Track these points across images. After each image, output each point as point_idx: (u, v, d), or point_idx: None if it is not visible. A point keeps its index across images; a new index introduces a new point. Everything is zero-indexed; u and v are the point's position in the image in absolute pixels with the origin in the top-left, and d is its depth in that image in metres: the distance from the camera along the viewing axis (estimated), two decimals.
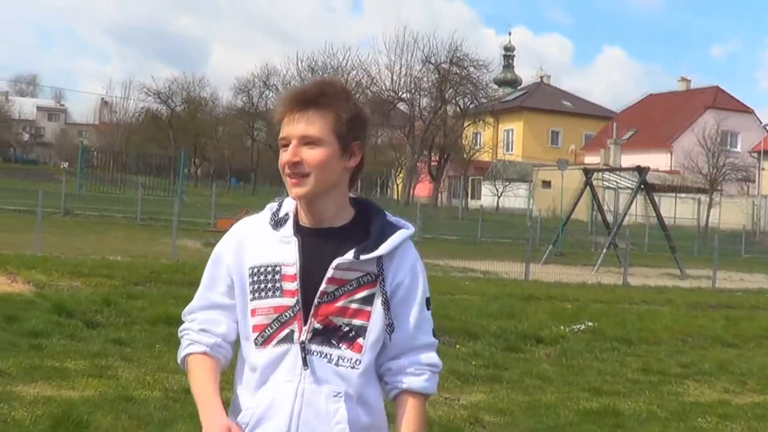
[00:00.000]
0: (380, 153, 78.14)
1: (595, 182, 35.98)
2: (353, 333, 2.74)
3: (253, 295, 2.77)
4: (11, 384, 8.08)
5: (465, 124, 76.49)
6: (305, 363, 2.69)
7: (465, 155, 78.72)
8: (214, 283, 2.87)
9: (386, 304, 2.75)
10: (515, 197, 70.03)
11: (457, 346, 11.83)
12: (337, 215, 2.82)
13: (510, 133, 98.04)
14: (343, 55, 73.85)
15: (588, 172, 34.87)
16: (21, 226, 25.28)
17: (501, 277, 23.34)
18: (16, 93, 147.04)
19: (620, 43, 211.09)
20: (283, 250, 2.76)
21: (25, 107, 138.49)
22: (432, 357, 2.87)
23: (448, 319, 13.41)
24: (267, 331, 2.74)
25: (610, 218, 37.62)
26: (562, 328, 13.69)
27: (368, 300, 2.75)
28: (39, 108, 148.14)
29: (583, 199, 35.37)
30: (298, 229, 2.80)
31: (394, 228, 2.83)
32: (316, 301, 2.71)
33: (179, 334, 2.91)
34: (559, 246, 32.99)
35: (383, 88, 73.15)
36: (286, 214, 2.85)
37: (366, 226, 2.81)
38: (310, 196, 2.74)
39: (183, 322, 2.92)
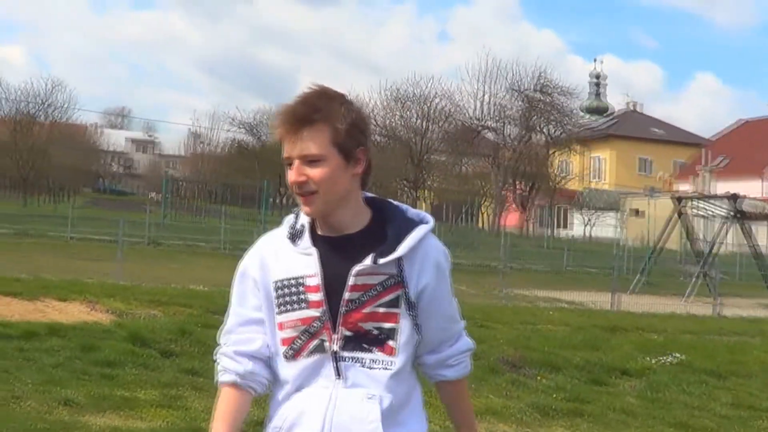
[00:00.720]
0: (467, 182, 77.80)
1: (686, 210, 35.26)
2: (384, 336, 2.76)
3: (279, 309, 2.80)
4: (80, 414, 7.97)
5: (552, 153, 75.80)
6: (338, 372, 2.75)
7: (552, 184, 77.97)
8: (244, 299, 2.89)
9: (412, 305, 2.77)
10: (605, 226, 69.11)
11: (539, 378, 11.45)
12: (353, 221, 2.81)
13: (599, 161, 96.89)
14: (427, 83, 73.77)
15: (679, 200, 34.16)
16: (105, 255, 25.51)
17: (588, 307, 22.89)
18: (107, 125, 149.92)
19: (712, 69, 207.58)
20: (304, 263, 2.77)
21: (116, 139, 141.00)
22: (465, 344, 3.00)
23: (530, 350, 13.08)
24: (296, 343, 2.78)
25: (702, 247, 36.74)
26: (648, 360, 13.22)
27: (395, 302, 2.76)
28: (130, 140, 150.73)
29: (675, 227, 34.65)
30: (316, 240, 2.81)
31: (411, 225, 2.81)
32: (342, 309, 2.73)
33: (214, 358, 2.94)
34: (647, 275, 32.30)
35: (468, 116, 72.83)
36: (302, 226, 2.84)
37: (384, 227, 2.81)
38: (322, 211, 2.77)
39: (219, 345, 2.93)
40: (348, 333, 2.74)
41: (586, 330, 16.24)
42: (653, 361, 13.12)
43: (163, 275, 22.19)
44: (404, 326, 2.77)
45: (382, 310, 2.75)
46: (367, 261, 2.72)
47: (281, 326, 2.80)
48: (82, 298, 15.51)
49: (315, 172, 2.71)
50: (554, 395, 10.35)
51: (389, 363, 2.76)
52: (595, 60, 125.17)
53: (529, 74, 71.38)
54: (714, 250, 32.59)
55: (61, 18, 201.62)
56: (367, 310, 2.74)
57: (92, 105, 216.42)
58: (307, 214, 2.79)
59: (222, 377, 2.88)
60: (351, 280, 2.72)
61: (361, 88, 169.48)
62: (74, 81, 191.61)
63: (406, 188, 75.16)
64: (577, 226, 73.40)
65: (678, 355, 13.64)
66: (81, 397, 8.44)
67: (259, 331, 2.86)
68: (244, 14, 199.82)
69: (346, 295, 2.73)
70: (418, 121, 73.58)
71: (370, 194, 2.90)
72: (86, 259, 27.04)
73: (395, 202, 2.92)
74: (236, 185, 67.31)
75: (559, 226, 78.33)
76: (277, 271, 2.81)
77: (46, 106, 73.36)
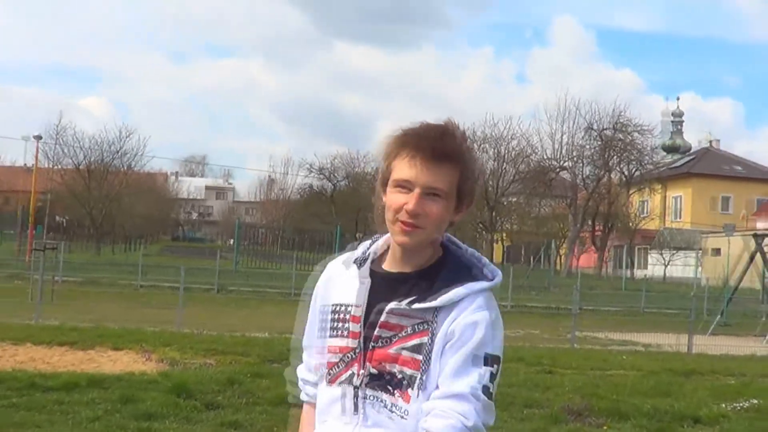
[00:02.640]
0: (542, 223, 77.03)
1: (766, 248, 34.23)
2: (405, 381, 2.65)
3: (330, 332, 2.78)
4: None
5: (630, 192, 74.79)
6: (356, 408, 2.69)
7: (630, 224, 76.85)
8: (313, 321, 2.88)
9: (435, 355, 2.63)
10: (684, 266, 67.83)
11: (605, 428, 10.83)
12: (422, 261, 2.73)
13: (678, 200, 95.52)
14: (504, 124, 73.32)
15: (758, 237, 33.12)
16: (172, 304, 25.28)
17: (663, 350, 22.16)
18: (186, 173, 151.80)
19: None
20: (353, 290, 2.74)
21: (194, 187, 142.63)
22: (462, 407, 2.56)
23: (597, 397, 12.46)
24: (335, 369, 2.75)
25: None
26: (723, 406, 12.49)
27: (418, 348, 2.64)
28: (207, 187, 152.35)
29: (755, 266, 33.64)
30: (376, 271, 2.76)
31: (466, 277, 2.69)
32: (370, 345, 2.68)
33: (293, 375, 3.02)
34: (725, 316, 31.32)
35: (544, 156, 72.23)
36: (370, 254, 2.80)
37: (440, 272, 2.72)
38: (418, 246, 2.69)
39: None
40: (373, 371, 2.67)
41: (658, 375, 15.53)
42: (728, 408, 12.39)
43: (228, 323, 21.94)
44: (423, 376, 2.63)
45: (406, 353, 2.64)
46: (404, 302, 2.65)
47: (329, 349, 2.77)
48: (138, 347, 15.32)
49: (433, 209, 2.63)
50: None
51: (405, 411, 2.64)
52: (677, 98, 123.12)
53: (607, 113, 70.70)
54: None
55: (142, 68, 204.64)
56: (393, 350, 2.66)
57: (171, 153, 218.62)
58: (400, 244, 2.69)
59: (302, 396, 2.99)
60: (383, 317, 2.66)
61: None
62: (153, 130, 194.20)
63: (480, 230, 74.58)
64: (655, 267, 72.13)
65: (754, 400, 12.90)
66: None
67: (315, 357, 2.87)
68: (323, 60, 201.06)
69: (376, 331, 2.67)
70: (493, 162, 73.11)
71: (449, 236, 2.82)
72: (154, 307, 26.94)
73: (468, 250, 2.81)
74: (309, 230, 67.30)
75: (636, 266, 77.09)
76: (336, 294, 2.79)
77: (119, 154, 74.01)
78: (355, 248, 2.86)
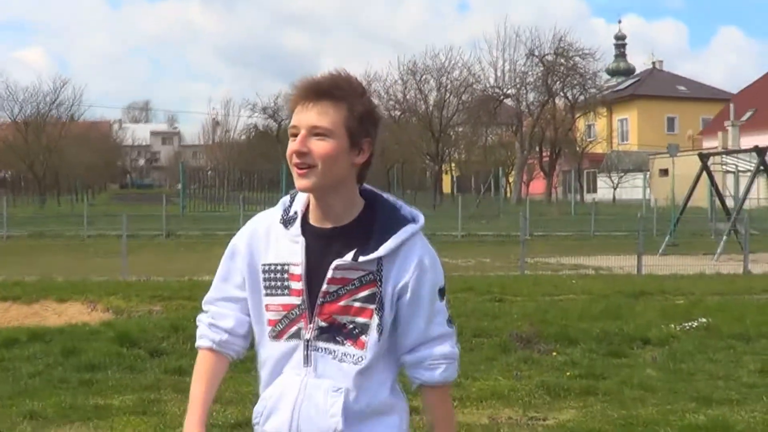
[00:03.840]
0: (490, 152, 77.01)
1: (714, 167, 34.44)
2: (357, 330, 2.79)
3: (266, 291, 2.85)
4: (44, 428, 7.40)
5: (575, 117, 74.88)
6: (306, 360, 2.80)
7: (578, 148, 77.04)
8: (229, 276, 2.95)
9: (388, 302, 2.79)
10: (632, 188, 68.21)
11: (554, 354, 10.75)
12: (344, 212, 2.84)
13: (624, 122, 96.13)
14: (445, 55, 73.02)
15: (704, 156, 33.19)
16: (120, 252, 24.98)
17: (614, 272, 22.24)
18: (130, 120, 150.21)
19: (736, 23, 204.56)
20: (291, 250, 2.82)
21: (139, 133, 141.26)
22: (445, 348, 2.89)
23: (546, 323, 12.39)
24: (278, 326, 2.84)
25: (731, 203, 35.83)
26: (672, 326, 12.45)
27: (370, 299, 2.78)
28: (153, 133, 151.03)
29: (703, 185, 33.82)
30: (306, 229, 2.84)
31: (398, 224, 2.82)
32: (318, 300, 2.78)
33: (196, 323, 3.03)
34: (674, 236, 31.48)
35: (487, 85, 72.00)
36: (296, 213, 2.88)
37: (372, 223, 2.83)
38: (315, 188, 2.77)
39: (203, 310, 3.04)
40: (323, 324, 2.79)
41: (609, 298, 15.50)
42: (677, 328, 12.37)
43: (176, 268, 21.72)
44: (377, 322, 2.79)
45: (357, 304, 2.78)
46: (348, 257, 2.76)
47: (267, 308, 2.86)
48: (83, 299, 15.07)
49: (319, 146, 2.72)
50: (568, 372, 9.65)
51: (359, 358, 2.79)
52: (619, 21, 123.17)
53: (548, 39, 70.49)
54: (742, 206, 31.60)
55: (78, 16, 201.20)
56: (342, 303, 2.78)
57: (115, 102, 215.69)
58: (300, 189, 2.80)
59: (199, 342, 3.00)
60: (330, 274, 2.76)
61: (382, 64, 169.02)
62: (94, 79, 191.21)
63: (428, 162, 74.50)
64: (605, 190, 72.57)
65: (703, 319, 12.89)
66: (49, 408, 7.83)
67: (235, 308, 2.95)
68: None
69: (324, 287, 2.77)
70: (436, 93, 72.86)
71: (368, 186, 2.92)
72: (100, 256, 26.63)
73: (389, 198, 2.92)
74: (255, 170, 66.88)
75: (586, 191, 77.48)
76: (266, 254, 2.86)
77: (55, 105, 72.87)
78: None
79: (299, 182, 2.75)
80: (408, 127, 74.04)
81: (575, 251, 28.31)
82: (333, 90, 2.75)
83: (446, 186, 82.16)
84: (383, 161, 74.90)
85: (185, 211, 47.85)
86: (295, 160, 2.74)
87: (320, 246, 2.81)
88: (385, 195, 2.92)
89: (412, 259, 2.80)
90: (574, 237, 37.56)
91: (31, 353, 10.22)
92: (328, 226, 2.83)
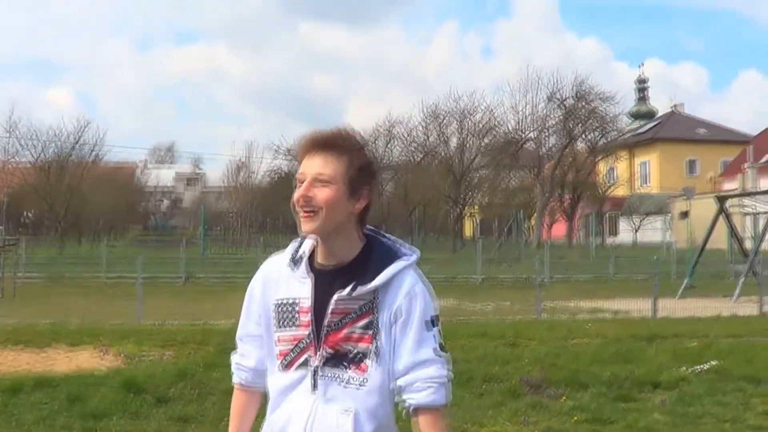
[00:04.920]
0: (512, 196, 76.93)
1: (733, 209, 34.29)
2: (359, 356, 3.06)
3: (278, 325, 3.14)
4: None
5: (596, 160, 74.79)
6: (315, 386, 3.06)
7: (599, 191, 76.89)
8: (250, 314, 3.29)
9: (383, 329, 3.06)
10: (653, 231, 67.95)
11: (563, 399, 10.69)
12: (346, 252, 3.12)
13: (645, 165, 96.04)
14: (468, 98, 73.13)
15: (721, 198, 33.11)
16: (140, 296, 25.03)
17: (631, 316, 22.05)
18: (155, 162, 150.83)
19: (756, 65, 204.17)
20: (300, 287, 3.12)
21: (163, 175, 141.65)
22: (433, 371, 3.07)
23: (556, 368, 12.33)
24: (289, 356, 3.11)
25: (750, 245, 35.62)
26: (683, 369, 12.39)
27: (368, 326, 3.06)
28: (177, 175, 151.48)
29: (721, 227, 33.67)
30: (313, 267, 3.14)
31: (393, 258, 3.12)
32: (324, 331, 3.06)
33: (231, 359, 3.40)
34: (692, 278, 31.31)
35: (509, 129, 72.03)
36: (303, 253, 3.17)
37: (370, 259, 3.12)
38: (319, 231, 3.06)
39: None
40: (329, 351, 3.06)
41: (621, 342, 15.41)
42: (688, 371, 12.30)
43: (192, 312, 21.68)
44: (375, 347, 3.06)
45: (358, 332, 3.06)
46: (347, 290, 3.05)
47: (278, 340, 3.14)
48: (95, 343, 15.01)
49: (322, 192, 3.02)
50: (575, 417, 9.61)
51: (363, 381, 3.05)
52: (641, 65, 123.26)
53: (568, 82, 70.54)
54: (759, 247, 31.44)
55: (106, 58, 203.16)
56: (345, 332, 3.05)
57: (140, 143, 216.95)
58: (306, 231, 3.07)
59: (233, 378, 3.38)
60: (332, 306, 3.05)
61: (406, 107, 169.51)
62: (121, 120, 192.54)
63: (450, 205, 74.43)
64: (626, 233, 72.29)
65: (714, 361, 12.81)
66: None
67: (256, 346, 3.26)
68: (288, 41, 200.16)
69: (327, 318, 3.05)
70: (458, 136, 73.01)
71: (370, 228, 3.21)
72: (118, 300, 26.61)
73: (386, 237, 3.23)
74: (279, 213, 66.97)
75: (608, 234, 77.23)
76: (277, 291, 3.16)
77: (78, 146, 72.96)
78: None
79: (305, 225, 3.05)
80: (430, 170, 74.12)
81: (594, 294, 28.11)
82: (336, 143, 3.07)
83: (469, 229, 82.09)
84: (405, 204, 75.02)
85: (206, 255, 47.85)
86: (302, 204, 3.04)
87: (325, 282, 3.09)
88: (385, 235, 3.23)
89: (403, 288, 3.08)
90: (593, 280, 37.30)
91: (37, 399, 10.16)
92: (332, 264, 3.12)
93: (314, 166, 3.04)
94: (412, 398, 3.06)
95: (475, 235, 77.53)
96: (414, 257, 3.17)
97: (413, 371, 3.06)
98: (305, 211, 3.04)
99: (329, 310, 3.05)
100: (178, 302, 26.10)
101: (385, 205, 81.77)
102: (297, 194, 3.04)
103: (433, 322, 3.11)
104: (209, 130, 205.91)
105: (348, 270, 3.10)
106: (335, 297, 3.05)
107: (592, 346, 14.99)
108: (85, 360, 13.82)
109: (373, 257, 3.12)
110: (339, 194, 3.03)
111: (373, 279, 3.05)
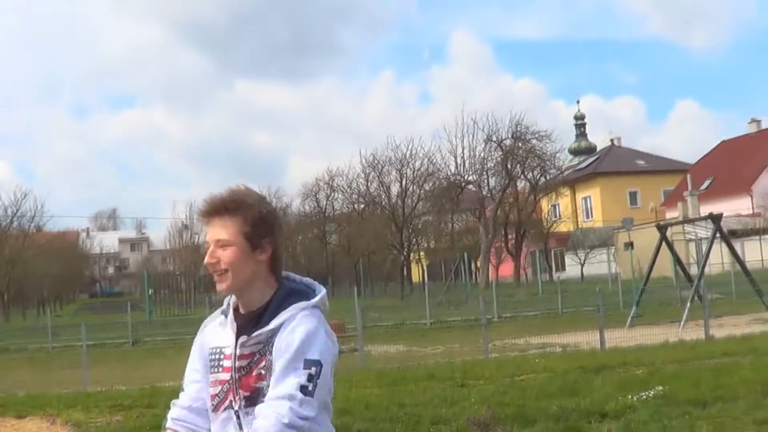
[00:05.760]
0: (457, 239, 77.27)
1: (676, 236, 34.71)
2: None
3: (210, 370, 3.33)
4: None
5: (538, 198, 75.39)
6: (239, 427, 3.23)
7: (543, 228, 77.49)
8: (192, 363, 3.46)
9: (273, 368, 3.17)
10: (599, 263, 68.47)
11: None
12: (258, 299, 3.30)
13: (588, 200, 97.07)
14: (406, 146, 73.59)
15: (661, 227, 33.52)
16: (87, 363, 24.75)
17: (580, 348, 22.18)
18: (97, 228, 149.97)
19: (692, 95, 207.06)
20: (226, 335, 3.32)
21: (107, 241, 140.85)
22: (283, 407, 3.07)
23: (503, 405, 12.34)
24: (216, 399, 3.29)
25: (695, 271, 36.06)
26: (629, 397, 12.46)
27: (267, 367, 3.19)
28: (121, 240, 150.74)
29: (666, 255, 34.02)
30: (237, 316, 3.33)
31: (291, 301, 3.26)
32: (236, 375, 3.24)
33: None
34: (638, 307, 31.61)
35: (449, 173, 72.44)
36: (229, 305, 3.38)
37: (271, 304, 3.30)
38: (232, 289, 3.29)
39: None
40: (245, 394, 3.22)
41: (569, 374, 15.48)
42: (634, 399, 12.37)
43: (142, 375, 21.49)
44: (268, 386, 3.17)
45: (262, 372, 3.19)
46: (246, 336, 3.23)
47: (210, 384, 3.31)
48: (42, 413, 14.82)
49: (224, 255, 3.23)
50: None
51: None
52: (578, 102, 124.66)
53: (504, 124, 71.10)
54: (704, 272, 31.85)
55: (43, 126, 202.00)
56: (254, 373, 3.21)
57: (82, 209, 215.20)
58: (220, 291, 3.29)
59: (167, 422, 3.44)
60: (238, 351, 3.24)
61: (345, 158, 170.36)
62: (61, 188, 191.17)
63: (395, 253, 74.59)
64: (573, 268, 72.82)
65: (660, 387, 12.91)
66: None
67: (195, 389, 3.41)
68: (226, 101, 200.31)
69: (237, 363, 3.24)
70: (398, 184, 73.40)
71: (284, 273, 3.38)
72: (66, 368, 26.32)
73: (295, 281, 3.40)
74: None
75: (555, 269, 77.74)
76: (212, 340, 3.37)
77: (16, 217, 72.28)
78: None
79: (218, 286, 3.28)
80: (372, 219, 74.28)
81: (543, 330, 28.24)
82: (229, 205, 3.26)
83: (416, 275, 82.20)
84: (350, 255, 75.05)
85: (152, 317, 47.59)
86: (211, 269, 3.26)
87: (243, 329, 3.26)
88: (295, 279, 3.41)
89: (289, 329, 3.18)
90: (542, 316, 37.54)
91: None
92: (248, 311, 3.30)
93: (213, 232, 3.26)
94: (254, 423, 3.14)
95: (423, 279, 77.73)
96: (315, 300, 3.29)
97: (267, 401, 3.13)
98: (216, 274, 3.25)
99: (237, 354, 3.24)
100: (126, 366, 25.93)
101: (330, 256, 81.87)
102: (205, 260, 3.26)
103: (307, 363, 3.13)
104: (151, 192, 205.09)
105: (256, 316, 3.27)
106: (239, 342, 3.24)
107: (540, 380, 15.05)
108: (32, 431, 13.66)
109: (273, 301, 3.27)
110: (240, 253, 3.23)
111: (269, 322, 3.20)
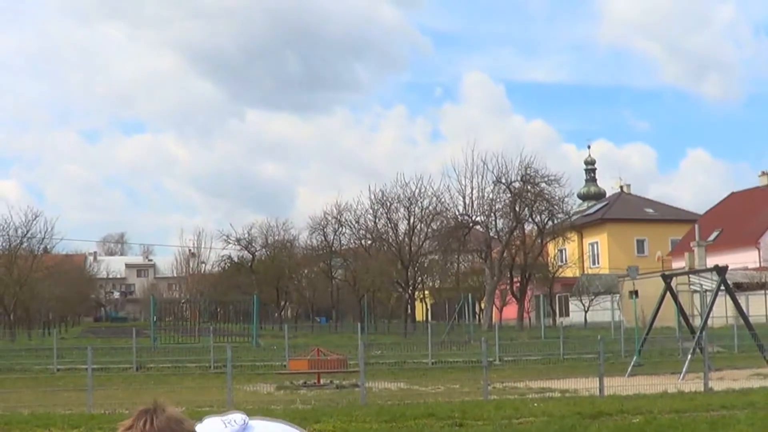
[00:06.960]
0: (462, 279, 77.36)
1: (681, 287, 34.84)
2: None
3: None
4: None
5: (545, 242, 75.51)
6: None
7: (549, 273, 77.57)
8: None
9: None
10: (603, 311, 68.46)
11: None
12: None
13: (595, 246, 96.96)
14: (415, 184, 73.79)
15: (666, 277, 33.70)
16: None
17: (579, 394, 22.35)
18: (105, 252, 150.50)
19: (703, 144, 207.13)
20: None
21: (114, 266, 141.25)
22: None
23: None
24: None
25: (697, 322, 36.21)
26: None
27: None
28: (128, 265, 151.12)
29: (670, 305, 34.19)
30: None
31: None
32: None
33: None
34: (640, 356, 31.76)
35: (457, 213, 72.64)
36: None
37: None
38: None
39: None
40: None
41: (566, 419, 15.67)
42: None
43: (144, 400, 21.31)
44: None
45: None
46: None
47: None
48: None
49: None
50: None
51: None
52: (588, 147, 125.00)
53: (514, 166, 71.31)
54: (707, 324, 32.01)
55: (55, 149, 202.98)
56: None
57: (91, 233, 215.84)
58: None
59: None
60: None
61: (354, 193, 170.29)
62: (70, 211, 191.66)
63: (400, 290, 74.71)
64: (577, 313, 72.83)
65: None
66: None
67: None
68: (237, 131, 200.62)
69: None
70: (406, 222, 73.62)
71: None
72: (70, 390, 26.53)
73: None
74: (228, 301, 66.85)
75: (559, 314, 77.73)
76: None
77: (26, 238, 72.57)
78: None
79: None
80: (379, 256, 74.40)
81: (543, 375, 28.44)
82: None
83: (420, 313, 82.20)
84: (355, 290, 75.11)
85: (157, 344, 47.82)
86: None
87: None
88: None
89: None
90: (543, 360, 37.67)
91: None
92: None
93: None
94: None
95: (427, 318, 77.76)
96: None
97: None
98: None
99: None
100: (130, 391, 26.08)
101: (335, 290, 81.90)
102: None
103: None
104: (159, 218, 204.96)
105: None
106: None
107: (537, 424, 15.26)
108: None
109: None
110: None
111: None
